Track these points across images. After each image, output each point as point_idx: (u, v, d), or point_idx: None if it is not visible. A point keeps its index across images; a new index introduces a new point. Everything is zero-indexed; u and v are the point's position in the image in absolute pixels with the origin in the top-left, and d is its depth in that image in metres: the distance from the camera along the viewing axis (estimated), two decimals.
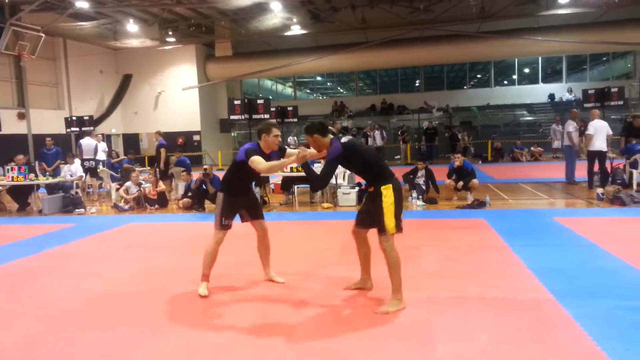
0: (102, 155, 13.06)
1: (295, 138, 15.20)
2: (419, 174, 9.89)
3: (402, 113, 25.48)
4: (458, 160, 9.57)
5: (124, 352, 3.34)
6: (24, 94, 19.38)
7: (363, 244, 4.48)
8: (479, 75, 27.87)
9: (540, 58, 25.18)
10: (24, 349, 3.46)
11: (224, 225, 4.51)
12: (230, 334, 3.58)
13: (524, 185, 11.56)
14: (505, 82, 26.72)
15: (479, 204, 8.74)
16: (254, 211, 4.77)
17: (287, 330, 3.59)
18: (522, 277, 4.62)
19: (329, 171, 4.01)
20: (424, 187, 9.66)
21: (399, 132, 21.31)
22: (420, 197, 9.31)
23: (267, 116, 10.07)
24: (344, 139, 4.15)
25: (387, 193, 4.02)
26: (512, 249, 5.65)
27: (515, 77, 26.32)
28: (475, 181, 9.40)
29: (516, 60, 25.55)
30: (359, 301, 4.18)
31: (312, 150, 4.24)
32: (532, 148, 19.86)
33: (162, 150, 11.28)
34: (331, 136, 4.18)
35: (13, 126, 18.01)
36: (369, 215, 4.24)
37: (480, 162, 19.01)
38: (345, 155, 4.01)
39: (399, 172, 11.20)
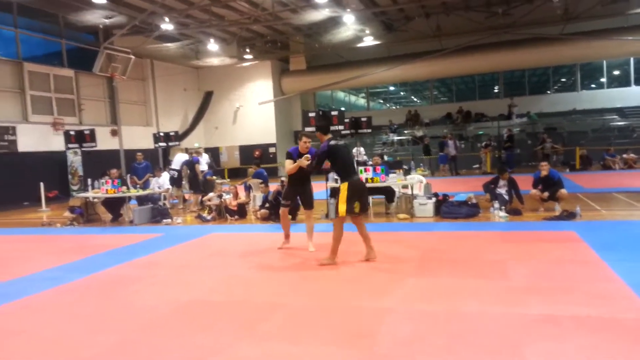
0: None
1: (362, 149, 14.91)
2: (501, 183, 9.45)
3: (480, 120, 24.63)
4: (544, 169, 9.05)
5: (202, 359, 3.43)
6: (116, 112, 20.88)
7: (359, 226, 6.03)
8: (563, 79, 26.37)
9: (632, 59, 23.38)
10: (113, 353, 3.65)
11: (284, 204, 6.76)
12: (309, 346, 3.57)
13: (617, 195, 10.72)
14: (593, 85, 25.06)
15: (569, 215, 8.19)
16: (305, 201, 6.79)
17: (368, 344, 3.53)
18: (621, 295, 4.24)
19: (317, 160, 5.93)
20: (506, 197, 9.22)
21: (483, 145, 20.53)
22: (503, 207, 8.89)
23: (341, 127, 10.11)
24: (332, 142, 5.83)
25: (344, 187, 5.72)
26: (608, 264, 5.21)
27: (604, 79, 24.61)
28: (563, 191, 8.83)
29: (604, 62, 23.90)
30: (439, 315, 4.02)
31: (304, 161, 6.12)
32: (624, 155, 18.41)
33: (196, 166, 12.28)
34: (330, 136, 5.98)
35: (107, 142, 19.43)
36: None
37: (567, 170, 17.90)
38: (329, 152, 5.79)
39: (479, 181, 10.80)
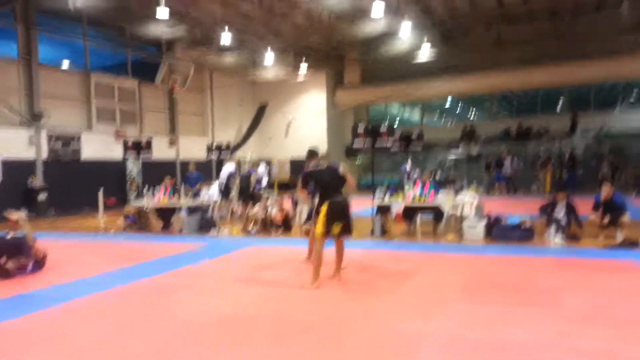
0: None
1: (408, 166, 14.22)
2: (559, 206, 8.89)
3: (541, 137, 23.49)
4: (606, 191, 8.47)
5: None
6: (174, 122, 21.63)
7: (338, 246, 6.09)
8: (635, 93, 24.77)
9: None
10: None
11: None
12: None
13: None
14: None
15: (631, 244, 7.59)
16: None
17: None
18: None
19: (301, 183, 6.31)
20: (563, 222, 8.65)
21: (540, 163, 19.60)
22: (560, 232, 8.37)
23: (389, 144, 9.92)
24: (311, 168, 6.33)
25: (323, 210, 5.85)
26: None
27: None
28: (627, 217, 8.21)
29: None
30: (482, 343, 3.77)
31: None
32: None
33: (252, 177, 12.60)
34: (314, 161, 6.44)
35: (164, 152, 20.12)
36: None
37: (635, 194, 16.74)
38: (306, 176, 6.26)
39: (536, 203, 10.23)
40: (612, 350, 3.56)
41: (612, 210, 8.32)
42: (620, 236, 8.04)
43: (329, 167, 6.26)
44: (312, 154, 6.63)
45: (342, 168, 6.28)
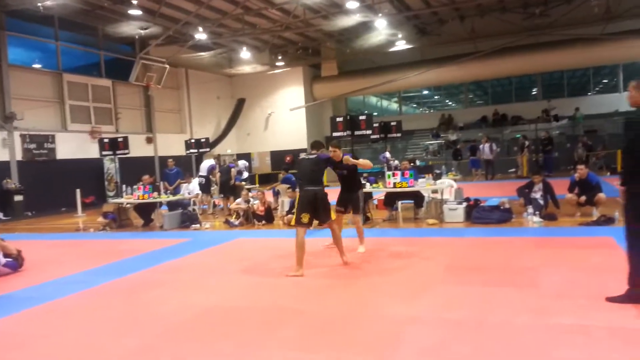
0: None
1: (387, 154, 14.36)
2: (536, 187, 9.09)
3: (517, 123, 23.96)
4: (581, 172, 8.67)
5: None
6: (151, 120, 21.36)
7: (332, 232, 6.29)
8: (605, 80, 25.39)
9: None
10: (134, 358, 3.65)
11: (338, 210, 7.04)
12: (329, 354, 3.48)
13: None
14: None
15: (606, 221, 7.80)
16: (352, 207, 7.00)
17: (389, 354, 3.40)
18: None
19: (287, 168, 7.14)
20: (541, 202, 8.85)
21: (517, 147, 19.95)
22: (537, 212, 8.55)
23: (369, 132, 9.98)
24: (302, 156, 6.49)
25: (297, 199, 6.22)
26: None
27: None
28: (601, 195, 8.41)
29: None
30: (465, 324, 3.84)
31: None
32: None
33: (232, 171, 12.57)
34: (315, 151, 6.33)
35: (142, 149, 19.89)
36: None
37: (608, 174, 17.16)
38: (295, 162, 6.54)
39: (515, 186, 10.43)
40: (587, 324, 3.66)
41: (587, 189, 8.53)
42: (596, 213, 8.26)
43: (315, 157, 6.22)
44: (314, 144, 6.59)
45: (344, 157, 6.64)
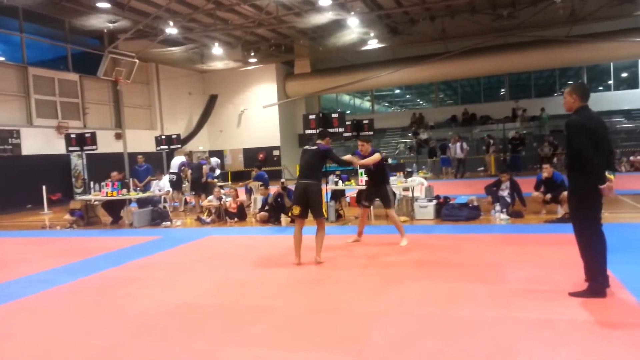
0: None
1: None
2: (503, 186, 9.32)
3: (485, 123, 24.48)
4: (547, 171, 8.93)
5: None
6: (120, 115, 20.94)
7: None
8: (570, 82, 26.14)
9: (639, 61, 23.12)
10: (102, 357, 3.60)
11: (364, 205, 7.53)
12: (298, 350, 3.51)
13: (622, 198, 10.55)
14: (600, 87, 24.83)
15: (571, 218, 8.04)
16: (383, 202, 7.30)
17: (358, 348, 3.45)
18: (620, 299, 4.15)
19: None
20: (508, 200, 9.09)
21: (485, 146, 20.37)
22: (505, 210, 8.77)
23: (341, 130, 10.05)
24: (307, 146, 6.26)
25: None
26: (609, 267, 5.09)
27: (611, 82, 24.37)
28: (566, 193, 8.66)
29: (612, 64, 23.68)
30: (433, 319, 3.93)
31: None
32: (631, 157, 18.19)
33: (204, 168, 12.31)
34: (320, 141, 6.26)
35: (111, 145, 19.48)
36: None
37: None
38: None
39: (483, 184, 10.68)
40: (552, 319, 3.78)
41: (552, 188, 8.79)
42: (561, 211, 8.51)
43: (316, 149, 6.13)
44: (321, 134, 6.61)
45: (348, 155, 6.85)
